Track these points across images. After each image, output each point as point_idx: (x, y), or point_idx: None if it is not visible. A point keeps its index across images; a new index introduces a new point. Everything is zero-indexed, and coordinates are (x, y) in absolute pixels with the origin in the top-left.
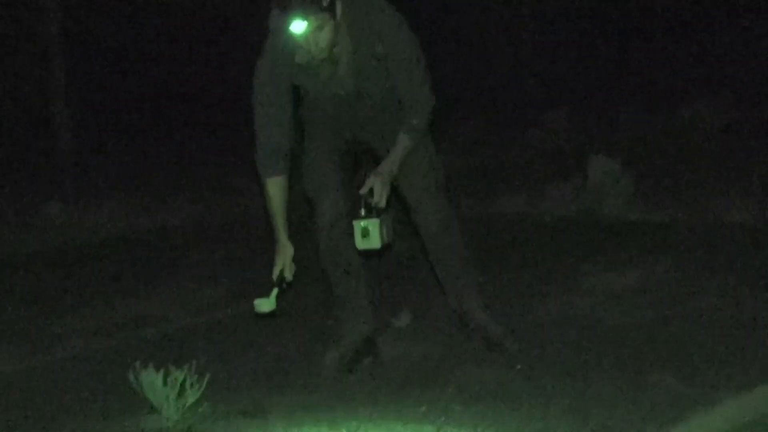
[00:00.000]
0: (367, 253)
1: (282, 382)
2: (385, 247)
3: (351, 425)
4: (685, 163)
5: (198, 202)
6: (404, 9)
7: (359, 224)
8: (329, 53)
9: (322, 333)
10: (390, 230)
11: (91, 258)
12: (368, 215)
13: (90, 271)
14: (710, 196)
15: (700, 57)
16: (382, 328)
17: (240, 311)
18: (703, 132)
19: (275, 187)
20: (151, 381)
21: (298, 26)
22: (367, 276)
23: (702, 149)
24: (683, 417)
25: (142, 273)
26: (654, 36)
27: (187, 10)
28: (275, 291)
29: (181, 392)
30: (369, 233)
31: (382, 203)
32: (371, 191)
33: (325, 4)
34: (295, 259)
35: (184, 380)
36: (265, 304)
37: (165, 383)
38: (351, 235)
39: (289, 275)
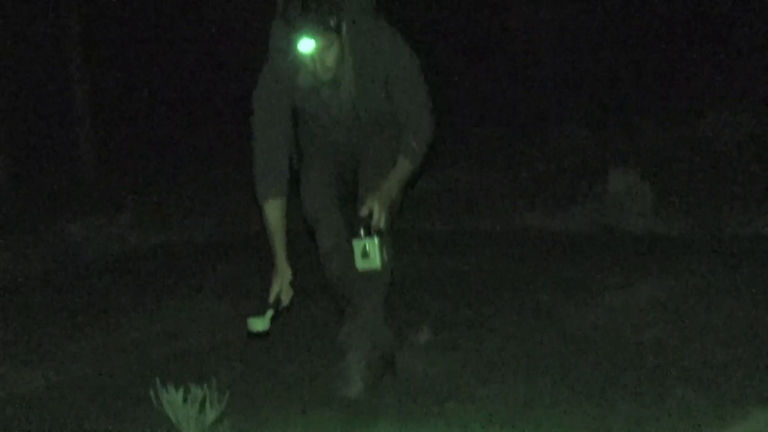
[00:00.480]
0: (368, 276)
1: (302, 399)
2: (385, 270)
3: None
4: (705, 176)
5: (218, 215)
6: (420, 22)
7: (359, 244)
8: (333, 74)
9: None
10: (390, 251)
11: (109, 273)
12: (367, 235)
13: (108, 287)
14: (731, 209)
15: (720, 68)
16: (402, 345)
17: None
18: (724, 144)
19: (274, 210)
20: (171, 399)
21: (306, 45)
22: (380, 293)
23: (722, 162)
24: None
25: (162, 288)
26: (673, 47)
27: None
28: (270, 313)
29: (201, 410)
30: (369, 253)
31: (381, 224)
32: (371, 212)
33: (332, 23)
34: (292, 284)
35: (205, 398)
36: (258, 324)
37: (185, 401)
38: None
39: (285, 300)
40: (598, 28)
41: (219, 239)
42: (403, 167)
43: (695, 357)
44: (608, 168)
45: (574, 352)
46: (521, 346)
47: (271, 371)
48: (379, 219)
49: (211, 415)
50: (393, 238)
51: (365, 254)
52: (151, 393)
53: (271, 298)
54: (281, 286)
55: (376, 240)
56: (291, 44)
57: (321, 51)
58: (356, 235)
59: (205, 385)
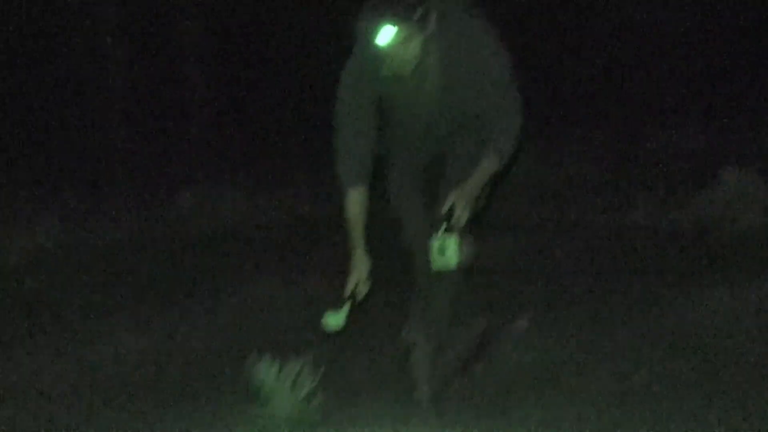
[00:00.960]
0: (441, 275)
1: (396, 379)
2: (460, 270)
3: (456, 428)
4: None
5: (322, 190)
6: (528, 17)
7: (437, 242)
8: (415, 68)
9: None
10: (469, 252)
11: (215, 244)
12: (446, 233)
13: (212, 258)
14: None
15: None
16: (498, 333)
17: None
18: None
19: (355, 198)
20: (266, 372)
21: (384, 36)
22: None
23: None
24: None
25: (265, 261)
26: None
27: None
28: (346, 307)
29: (294, 384)
30: (446, 251)
31: (462, 222)
32: (450, 209)
33: (416, 16)
34: (369, 276)
35: (298, 373)
36: (332, 321)
37: (279, 374)
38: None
39: (362, 292)
40: (716, 17)
41: (327, 214)
42: (488, 167)
43: None
44: (721, 165)
45: (675, 349)
46: (619, 338)
47: (367, 348)
48: (459, 217)
49: (303, 390)
50: (476, 235)
51: (442, 252)
52: (246, 365)
53: (347, 291)
54: (359, 278)
55: (454, 238)
56: (372, 33)
57: (400, 43)
58: (435, 232)
59: (300, 360)
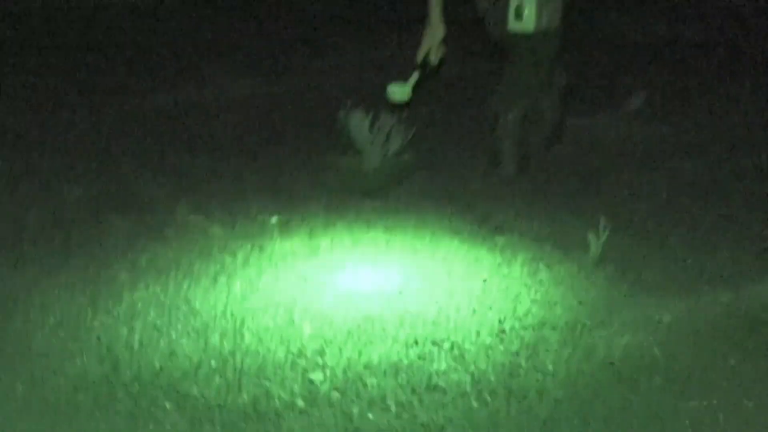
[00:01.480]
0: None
1: (480, 149)
2: (542, 36)
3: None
4: None
5: None
6: None
7: (514, 2)
8: None
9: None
10: (554, 16)
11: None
12: None
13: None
14: None
15: None
16: (615, 111)
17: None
18: None
19: None
20: (360, 123)
21: None
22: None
23: None
24: None
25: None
26: None
27: None
28: (414, 76)
29: (386, 139)
30: (523, 13)
31: None
32: None
33: None
34: (444, 42)
35: (390, 129)
36: (398, 93)
37: (372, 127)
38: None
39: (434, 60)
40: None
41: None
42: None
43: None
44: None
45: None
46: (726, 122)
47: (456, 115)
48: None
49: (394, 144)
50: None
51: (519, 14)
52: (341, 114)
53: (419, 57)
54: (432, 44)
55: (534, 0)
56: None
57: None
58: None
59: (392, 119)
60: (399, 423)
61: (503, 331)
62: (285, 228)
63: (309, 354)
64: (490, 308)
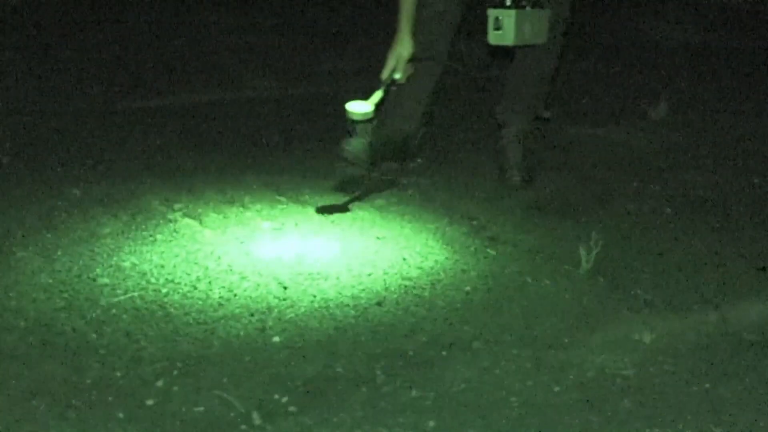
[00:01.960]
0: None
1: (486, 161)
2: (525, 52)
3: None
4: None
5: None
6: None
7: (493, 14)
8: None
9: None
10: (536, 31)
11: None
12: (505, 6)
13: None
14: None
15: None
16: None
17: None
18: None
19: None
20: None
21: None
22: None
23: None
24: None
25: None
26: None
27: None
28: (377, 94)
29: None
30: (503, 26)
31: None
32: None
33: None
34: (411, 59)
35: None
36: (358, 112)
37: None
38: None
39: (401, 77)
40: None
41: None
42: None
43: None
44: None
45: None
46: (747, 134)
47: (461, 122)
48: None
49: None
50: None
51: (498, 26)
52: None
53: (385, 74)
54: (399, 59)
55: (513, 13)
56: None
57: None
58: (492, 3)
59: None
60: None
61: (470, 348)
62: (276, 233)
63: (274, 365)
64: (467, 323)
